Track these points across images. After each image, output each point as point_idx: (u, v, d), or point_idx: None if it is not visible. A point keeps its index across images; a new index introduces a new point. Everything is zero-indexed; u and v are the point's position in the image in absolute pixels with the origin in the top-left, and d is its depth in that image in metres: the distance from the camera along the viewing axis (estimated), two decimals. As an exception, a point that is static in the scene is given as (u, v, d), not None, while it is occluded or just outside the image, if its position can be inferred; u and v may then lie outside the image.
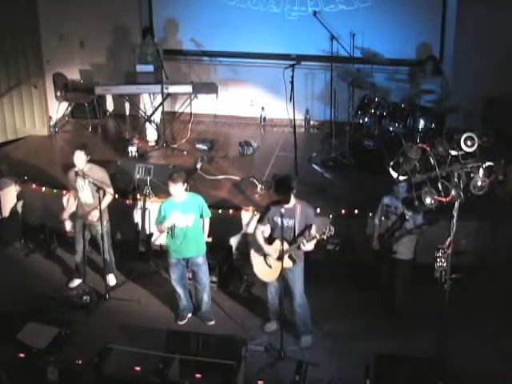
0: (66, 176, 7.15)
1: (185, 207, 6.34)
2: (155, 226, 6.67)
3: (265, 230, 6.20)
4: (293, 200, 6.03)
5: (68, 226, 7.89)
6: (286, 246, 5.92)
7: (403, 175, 5.15)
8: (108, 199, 6.98)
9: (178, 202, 6.33)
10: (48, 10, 9.54)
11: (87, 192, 6.92)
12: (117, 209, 7.80)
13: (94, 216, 6.87)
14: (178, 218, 6.32)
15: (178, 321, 6.67)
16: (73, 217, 7.26)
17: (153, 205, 7.65)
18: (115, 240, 7.67)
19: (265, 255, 6.18)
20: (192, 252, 6.48)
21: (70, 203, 7.19)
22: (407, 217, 6.27)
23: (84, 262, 7.29)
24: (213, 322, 6.64)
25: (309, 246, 5.94)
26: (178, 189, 6.26)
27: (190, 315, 6.74)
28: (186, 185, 6.37)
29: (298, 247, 5.94)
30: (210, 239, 6.77)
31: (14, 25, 9.27)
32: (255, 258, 6.30)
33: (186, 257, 6.50)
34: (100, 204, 6.70)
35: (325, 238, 5.90)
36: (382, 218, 6.57)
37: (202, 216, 6.50)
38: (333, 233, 5.85)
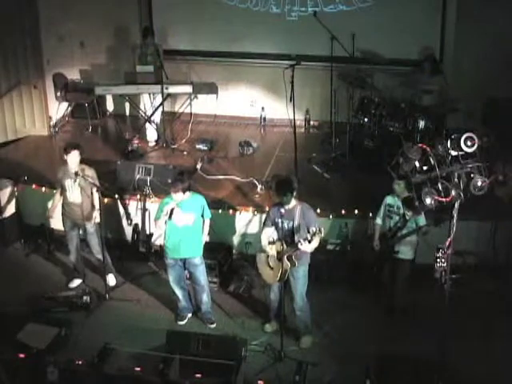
0: (57, 173, 7.07)
1: (186, 206, 6.33)
2: (154, 221, 6.66)
3: (270, 232, 6.20)
4: (293, 201, 6.03)
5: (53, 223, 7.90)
6: (284, 247, 5.91)
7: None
8: (97, 197, 6.92)
9: (180, 200, 6.34)
10: (48, 10, 9.55)
11: (76, 192, 6.91)
12: (117, 209, 7.83)
13: (88, 216, 6.90)
14: (177, 216, 6.32)
15: (178, 321, 6.66)
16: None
17: (153, 205, 7.66)
18: (114, 240, 7.69)
19: (267, 256, 6.19)
20: (189, 252, 6.46)
21: (55, 201, 7.14)
22: (407, 217, 6.28)
23: (80, 261, 7.30)
24: (214, 325, 6.62)
25: (305, 247, 5.90)
26: (178, 196, 6.26)
27: (190, 315, 6.73)
28: (187, 192, 6.33)
29: (297, 248, 5.93)
30: (207, 238, 6.78)
31: (14, 25, 9.27)
32: (259, 259, 6.31)
33: (182, 257, 6.48)
34: (100, 204, 6.72)
35: (315, 239, 5.83)
36: (385, 218, 6.57)
37: (202, 216, 6.50)
38: (322, 234, 5.81)
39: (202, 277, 6.56)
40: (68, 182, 6.89)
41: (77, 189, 6.89)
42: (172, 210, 6.27)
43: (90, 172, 6.94)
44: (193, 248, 6.47)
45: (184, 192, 6.27)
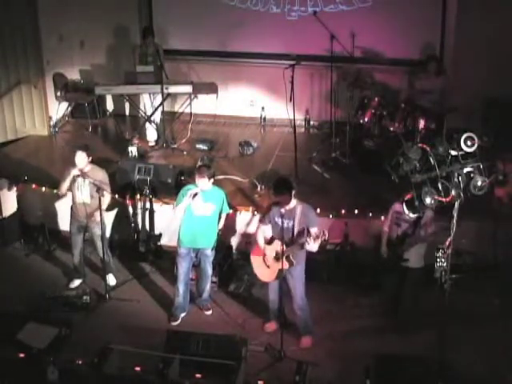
0: (66, 170, 6.99)
1: (207, 196, 6.42)
2: (173, 208, 6.69)
3: (266, 229, 6.21)
4: (294, 201, 6.02)
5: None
6: (284, 246, 5.90)
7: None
8: (107, 200, 7.01)
9: (203, 188, 6.38)
10: (48, 10, 9.53)
11: (86, 192, 6.93)
12: (117, 209, 7.82)
13: (94, 217, 6.89)
14: (197, 203, 6.38)
15: (171, 321, 6.64)
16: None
17: (153, 205, 7.66)
18: (114, 240, 7.68)
19: (264, 255, 6.18)
20: (203, 243, 6.58)
21: (65, 182, 6.97)
22: (411, 215, 6.13)
23: (82, 263, 7.30)
24: (210, 312, 6.79)
25: (312, 247, 5.86)
26: (202, 182, 6.34)
27: (183, 315, 6.73)
28: (212, 180, 6.45)
29: (302, 246, 5.89)
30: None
31: (14, 25, 9.26)
32: (254, 258, 6.31)
33: (196, 247, 6.58)
34: (100, 204, 6.71)
35: (319, 241, 5.80)
36: (392, 226, 6.42)
37: (221, 210, 6.60)
38: (327, 237, 5.77)
39: (209, 267, 6.73)
40: (78, 183, 6.91)
41: (86, 189, 6.91)
42: (195, 194, 6.32)
43: (100, 174, 6.97)
44: (206, 239, 6.59)
45: (209, 179, 6.36)
